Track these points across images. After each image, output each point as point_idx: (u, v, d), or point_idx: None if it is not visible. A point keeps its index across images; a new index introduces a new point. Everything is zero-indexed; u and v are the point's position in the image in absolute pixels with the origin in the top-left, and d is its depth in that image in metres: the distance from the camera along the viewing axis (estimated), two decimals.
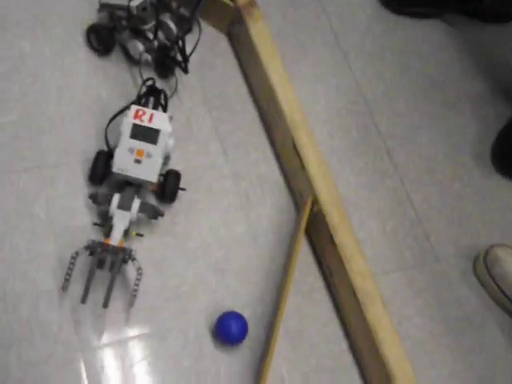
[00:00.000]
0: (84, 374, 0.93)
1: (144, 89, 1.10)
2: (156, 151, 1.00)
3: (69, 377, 0.92)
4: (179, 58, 1.17)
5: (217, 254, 1.08)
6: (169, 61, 1.17)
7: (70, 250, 0.97)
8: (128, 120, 1.00)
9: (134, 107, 1.01)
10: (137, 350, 0.97)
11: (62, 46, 1.18)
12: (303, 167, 1.09)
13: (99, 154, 1.04)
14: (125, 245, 0.98)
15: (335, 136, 1.25)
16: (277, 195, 1.16)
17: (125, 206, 0.98)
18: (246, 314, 1.03)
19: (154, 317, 1.00)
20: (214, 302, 1.03)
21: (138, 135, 0.99)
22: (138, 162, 0.99)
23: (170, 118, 1.02)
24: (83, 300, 0.93)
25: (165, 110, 1.10)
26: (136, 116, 1.00)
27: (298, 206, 1.15)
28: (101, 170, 1.03)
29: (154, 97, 1.09)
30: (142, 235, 1.02)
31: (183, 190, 1.07)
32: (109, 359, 0.95)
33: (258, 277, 1.07)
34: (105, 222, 1.01)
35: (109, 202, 0.99)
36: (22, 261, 0.98)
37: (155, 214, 1.02)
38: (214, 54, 1.26)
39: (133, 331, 0.98)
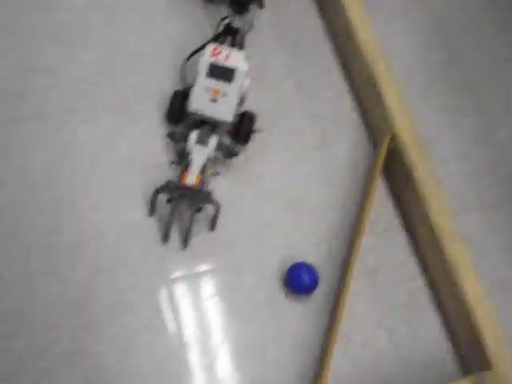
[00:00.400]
0: (164, 303, 0.96)
1: (221, 27, 1.09)
2: (232, 90, 1.00)
3: (150, 305, 0.96)
4: None
5: (291, 194, 1.08)
6: None
7: (152, 185, 1.00)
8: (205, 59, 1.00)
9: (210, 45, 1.01)
10: (213, 284, 0.99)
11: None
12: (381, 102, 1.06)
13: (176, 93, 1.05)
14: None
15: (415, 72, 1.20)
16: (353, 133, 1.14)
17: (203, 141, 1.00)
18: (320, 252, 1.03)
19: (230, 253, 1.02)
20: (289, 239, 1.04)
21: (214, 74, 0.99)
22: (213, 101, 1.00)
23: (247, 58, 1.01)
24: (164, 239, 0.98)
25: (241, 48, 1.09)
26: (213, 54, 1.00)
27: (374, 143, 1.13)
28: (177, 109, 1.04)
29: (230, 35, 1.08)
30: (218, 174, 1.03)
31: (259, 131, 1.07)
32: (187, 290, 0.98)
33: (332, 215, 1.07)
34: (182, 160, 1.02)
35: (186, 139, 1.00)
36: (108, 194, 1.02)
37: (230, 153, 1.03)
38: None
39: (210, 265, 1.01)
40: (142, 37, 1.14)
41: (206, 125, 1.03)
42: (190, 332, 0.95)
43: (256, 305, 0.99)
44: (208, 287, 0.99)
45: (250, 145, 1.09)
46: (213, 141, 1.00)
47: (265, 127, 1.10)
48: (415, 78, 1.20)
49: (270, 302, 0.99)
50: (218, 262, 1.01)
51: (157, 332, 0.94)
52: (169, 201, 0.97)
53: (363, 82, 1.12)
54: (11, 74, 1.07)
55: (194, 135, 1.00)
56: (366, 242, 1.04)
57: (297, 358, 0.96)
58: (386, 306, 1.02)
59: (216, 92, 0.99)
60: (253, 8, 1.16)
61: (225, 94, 1.00)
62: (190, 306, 0.97)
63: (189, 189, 0.96)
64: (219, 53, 1.00)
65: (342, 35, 1.17)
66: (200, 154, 0.99)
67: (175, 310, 0.96)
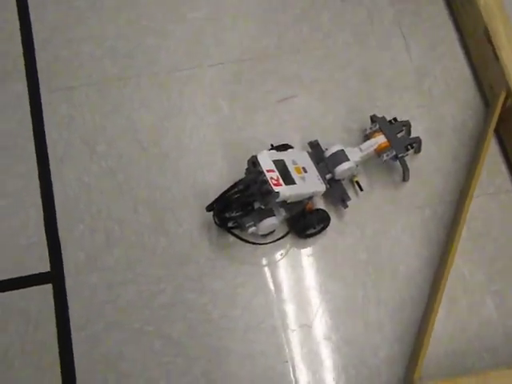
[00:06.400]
0: (264, 259, 0.98)
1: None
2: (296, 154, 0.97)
3: (251, 261, 0.97)
4: None
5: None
6: None
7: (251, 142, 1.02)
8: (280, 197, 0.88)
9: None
10: (313, 242, 0.99)
11: None
12: (496, 57, 0.99)
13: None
14: None
15: None
16: (463, 91, 1.09)
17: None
18: (425, 215, 1.00)
19: (334, 214, 1.00)
20: (393, 200, 1.02)
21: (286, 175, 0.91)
22: (302, 179, 0.93)
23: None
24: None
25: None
26: (274, 184, 0.88)
27: (487, 101, 1.07)
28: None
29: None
30: None
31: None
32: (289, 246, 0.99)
33: (438, 176, 1.03)
34: None
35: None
36: (209, 152, 1.04)
37: None
38: None
39: None
40: None
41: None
42: (289, 289, 0.96)
43: (356, 263, 0.98)
44: (308, 246, 0.99)
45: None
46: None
47: (369, 83, 1.08)
48: None
49: (373, 259, 0.97)
50: None
51: (256, 288, 0.96)
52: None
53: (476, 36, 1.05)
54: (122, 33, 1.11)
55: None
56: (474, 204, 0.99)
57: (398, 318, 0.94)
58: (495, 272, 0.98)
59: (298, 170, 0.93)
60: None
61: (293, 162, 0.94)
62: (290, 263, 0.98)
63: None
64: (272, 172, 0.89)
65: None
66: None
67: (275, 266, 0.97)
